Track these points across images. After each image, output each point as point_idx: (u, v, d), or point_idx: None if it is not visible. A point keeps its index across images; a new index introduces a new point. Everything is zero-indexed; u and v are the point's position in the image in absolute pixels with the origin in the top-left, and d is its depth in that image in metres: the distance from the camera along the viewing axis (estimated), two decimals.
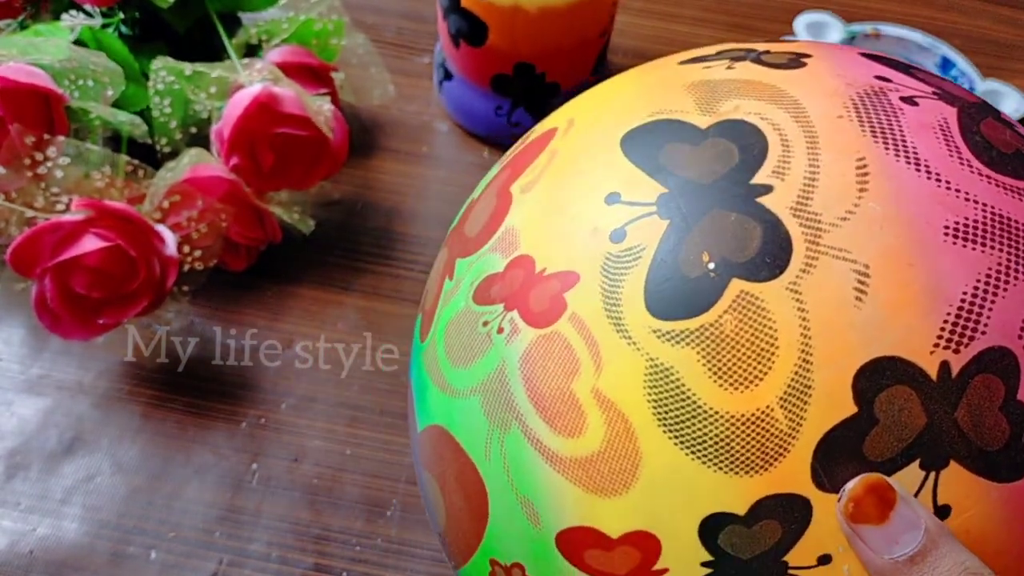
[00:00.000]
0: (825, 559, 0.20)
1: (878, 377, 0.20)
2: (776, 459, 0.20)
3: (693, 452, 0.20)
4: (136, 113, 0.43)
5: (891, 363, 0.20)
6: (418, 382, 0.27)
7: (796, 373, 0.20)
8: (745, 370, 0.20)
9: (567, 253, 0.23)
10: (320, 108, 0.43)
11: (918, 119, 0.23)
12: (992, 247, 0.21)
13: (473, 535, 0.25)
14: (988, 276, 0.20)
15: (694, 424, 0.20)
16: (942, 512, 0.20)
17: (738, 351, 0.20)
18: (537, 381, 0.22)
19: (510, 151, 0.29)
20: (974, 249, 0.21)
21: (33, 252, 0.37)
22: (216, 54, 0.46)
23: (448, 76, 0.51)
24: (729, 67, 0.25)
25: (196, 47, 0.46)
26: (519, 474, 0.23)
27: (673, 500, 0.21)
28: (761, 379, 0.20)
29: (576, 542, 0.22)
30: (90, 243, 0.37)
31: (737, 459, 0.20)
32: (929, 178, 0.21)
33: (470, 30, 0.46)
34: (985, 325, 0.20)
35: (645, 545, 0.21)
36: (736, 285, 0.20)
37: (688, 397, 0.20)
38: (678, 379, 0.21)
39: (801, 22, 0.57)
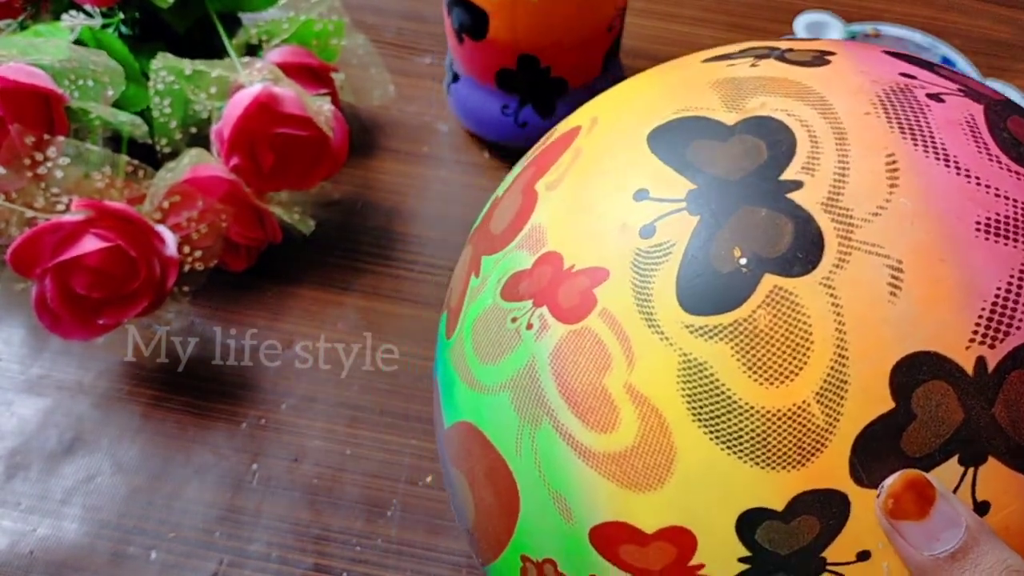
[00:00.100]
0: (864, 555, 0.20)
1: (915, 372, 0.20)
2: (813, 454, 0.20)
3: (729, 447, 0.20)
4: (136, 113, 0.43)
5: (927, 358, 0.20)
6: (445, 379, 0.27)
7: (832, 368, 0.20)
8: (780, 365, 0.20)
9: (596, 249, 0.23)
10: (320, 108, 0.43)
11: (945, 116, 0.23)
12: None
13: (503, 531, 0.25)
14: (1022, 271, 0.20)
15: (729, 419, 0.20)
16: (981, 508, 0.20)
17: (772, 346, 0.20)
18: (568, 376, 0.22)
19: (533, 149, 0.29)
20: (1006, 244, 0.21)
21: (33, 252, 0.37)
22: (216, 54, 0.46)
23: (456, 79, 0.50)
24: (753, 65, 0.25)
25: (196, 47, 0.46)
26: (551, 469, 0.23)
27: (709, 495, 0.21)
28: (797, 374, 0.20)
29: (610, 537, 0.22)
30: (90, 243, 0.37)
31: (774, 454, 0.20)
32: (959, 174, 0.21)
33: (472, 22, 0.45)
34: (1020, 320, 0.20)
35: (681, 540, 0.21)
36: (769, 280, 0.20)
37: (723, 392, 0.20)
38: (712, 374, 0.20)
39: (801, 22, 0.57)
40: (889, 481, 0.20)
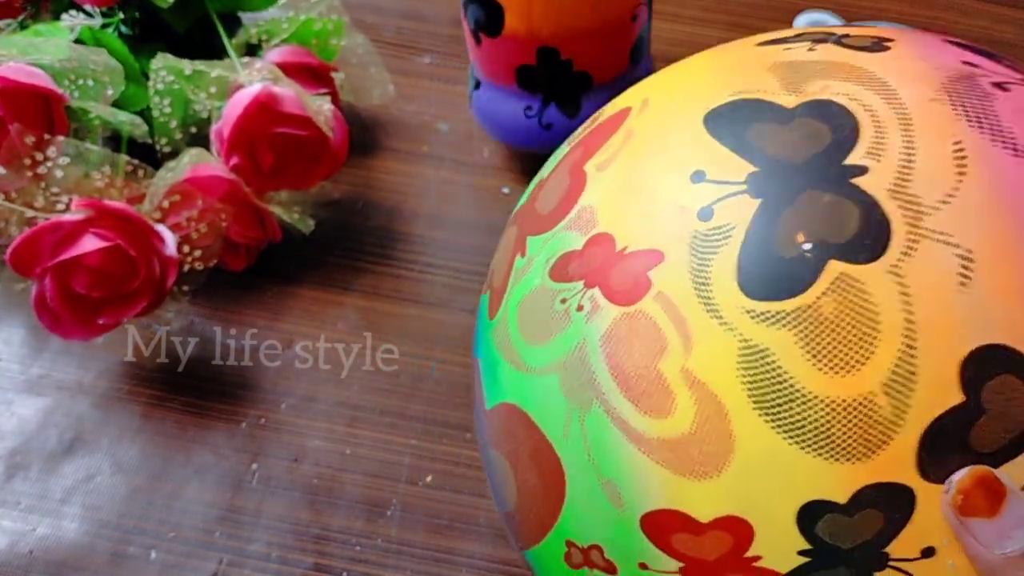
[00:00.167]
0: (929, 552, 0.20)
1: (985, 365, 0.19)
2: (879, 447, 0.19)
3: (791, 437, 0.20)
4: (136, 113, 0.43)
5: (998, 352, 0.19)
6: (487, 359, 0.26)
7: (900, 359, 0.19)
8: (846, 354, 0.20)
9: (650, 232, 0.22)
10: (320, 108, 0.43)
11: (1012, 105, 0.22)
12: None
13: (547, 515, 0.24)
14: None
15: (792, 408, 0.20)
16: None
17: (838, 334, 0.20)
18: (621, 360, 0.22)
19: (580, 131, 0.28)
20: None
21: (33, 252, 0.37)
22: (216, 54, 0.46)
23: (477, 86, 0.48)
24: (811, 49, 0.24)
25: (196, 47, 0.46)
26: (601, 454, 0.22)
27: (769, 485, 0.20)
28: (863, 364, 0.19)
29: (663, 525, 0.22)
30: (90, 243, 0.37)
31: (837, 445, 0.20)
32: None
33: (487, 17, 0.43)
34: None
35: (737, 530, 0.21)
36: (834, 267, 0.20)
37: (785, 380, 0.20)
38: (774, 361, 0.20)
39: (801, 21, 0.57)
40: (958, 477, 0.19)
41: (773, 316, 0.20)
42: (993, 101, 0.22)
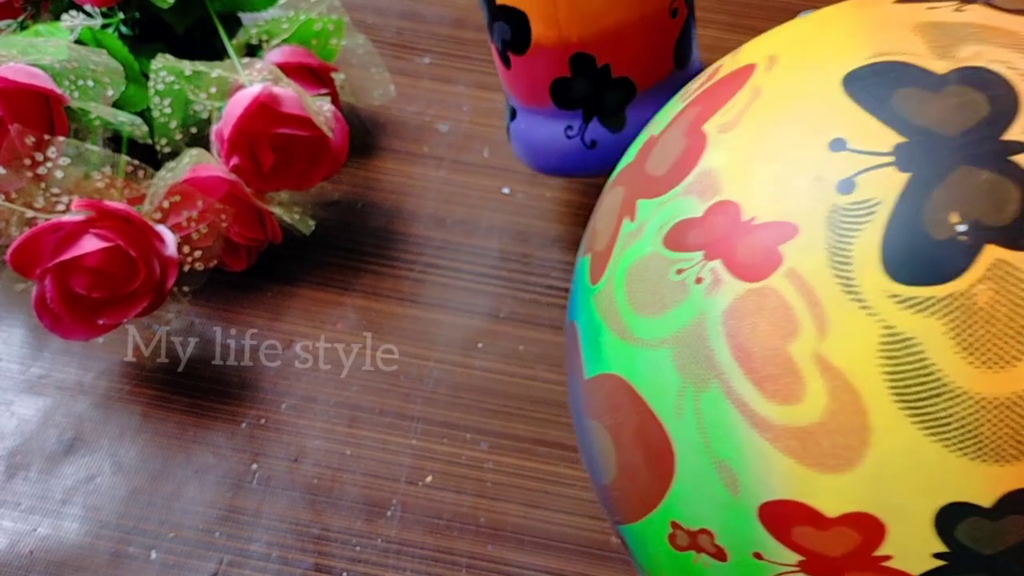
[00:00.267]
0: None
1: None
2: None
3: (934, 433, 0.19)
4: (136, 113, 0.43)
5: None
6: (588, 326, 0.25)
7: None
8: (1001, 348, 0.18)
9: (782, 202, 0.21)
10: (320, 108, 0.43)
11: None
12: None
13: (652, 494, 0.23)
14: None
15: (937, 403, 0.19)
16: None
17: (993, 326, 0.18)
18: (744, 339, 0.20)
19: (694, 86, 0.26)
20: None
21: (33, 252, 0.37)
22: (216, 54, 0.46)
23: (514, 115, 0.44)
24: (958, 9, 0.23)
25: (196, 47, 0.46)
26: (717, 436, 0.21)
27: (906, 484, 0.19)
28: (1019, 360, 0.18)
29: (784, 517, 0.20)
30: (90, 243, 0.37)
31: (986, 445, 0.18)
32: None
33: (513, 33, 0.40)
34: None
35: (867, 528, 0.20)
36: (991, 252, 0.19)
37: (931, 372, 0.19)
38: (920, 352, 0.19)
39: None
40: None
41: (921, 303, 0.19)
42: None
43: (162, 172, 0.41)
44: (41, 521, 0.38)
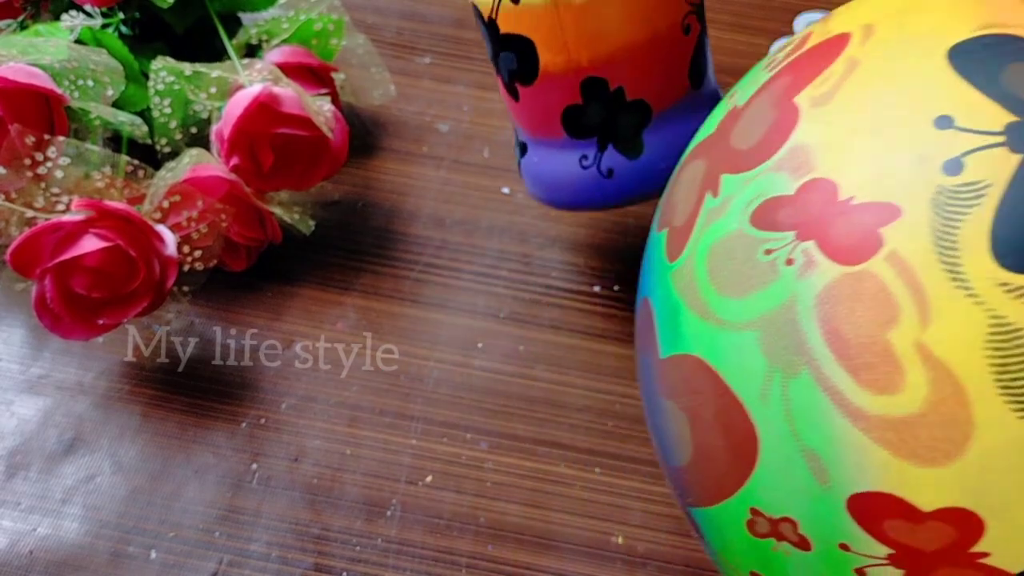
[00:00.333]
0: None
1: None
2: None
3: None
4: (136, 113, 0.43)
5: None
6: (665, 304, 0.24)
7: None
8: None
9: (883, 182, 0.20)
10: (320, 108, 0.43)
11: None
12: None
13: (731, 479, 0.22)
14: None
15: None
16: None
17: None
18: (840, 324, 0.20)
19: (782, 55, 0.25)
20: None
21: (33, 252, 0.37)
22: (216, 54, 0.46)
23: (524, 150, 0.42)
24: None
25: (196, 47, 0.46)
26: (805, 424, 0.20)
27: (1009, 480, 0.18)
28: None
29: (875, 509, 0.20)
30: (90, 243, 0.37)
31: None
32: None
33: (519, 62, 0.38)
34: None
35: (964, 524, 0.19)
36: None
37: None
38: None
39: (801, 21, 0.57)
40: None
41: None
42: None
43: (162, 172, 0.41)
44: (41, 521, 0.38)
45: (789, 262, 0.21)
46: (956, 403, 0.18)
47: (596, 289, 0.47)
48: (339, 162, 0.45)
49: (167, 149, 0.44)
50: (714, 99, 0.39)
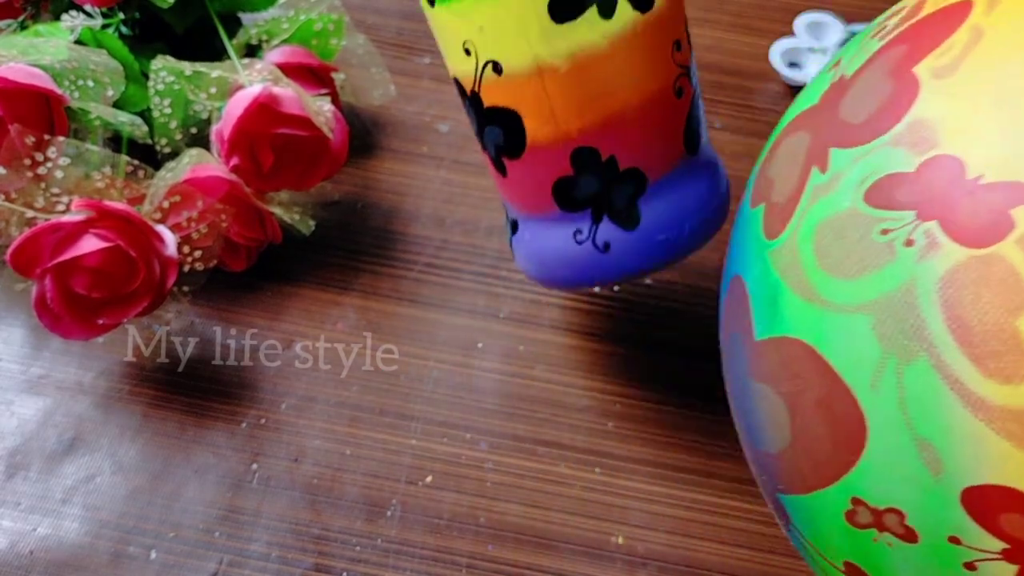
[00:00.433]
0: None
1: None
2: None
3: None
4: (136, 113, 0.43)
5: None
6: (763, 284, 0.23)
7: None
8: None
9: (1015, 161, 0.19)
10: (320, 108, 0.43)
11: None
12: None
13: (834, 467, 0.22)
14: None
15: None
16: None
17: None
18: (964, 310, 0.19)
19: (893, 23, 0.24)
20: None
21: (33, 252, 0.37)
22: (216, 54, 0.46)
23: (515, 228, 0.39)
24: None
25: (196, 47, 0.46)
26: (920, 413, 0.19)
27: None
28: None
29: (992, 502, 0.19)
30: (90, 243, 0.37)
31: None
32: None
33: (505, 136, 0.36)
34: None
35: None
36: None
37: None
38: None
39: (801, 22, 0.57)
40: None
41: None
42: None
43: (162, 172, 0.41)
44: (41, 521, 0.38)
45: (909, 243, 0.20)
46: None
47: (596, 289, 0.47)
48: (339, 162, 0.45)
49: (167, 149, 0.44)
50: (710, 165, 0.37)
